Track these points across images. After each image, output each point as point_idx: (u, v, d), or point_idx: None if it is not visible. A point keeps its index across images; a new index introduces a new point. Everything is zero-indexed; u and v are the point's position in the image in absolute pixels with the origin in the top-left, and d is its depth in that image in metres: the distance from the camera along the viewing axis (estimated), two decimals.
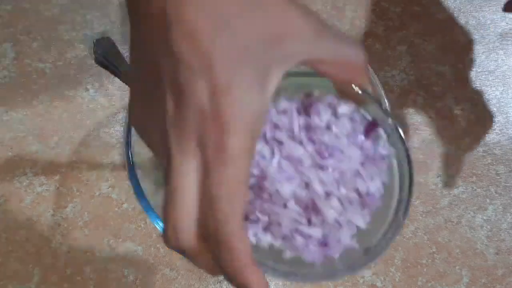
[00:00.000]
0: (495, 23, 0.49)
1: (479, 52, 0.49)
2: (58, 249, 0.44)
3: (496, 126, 0.48)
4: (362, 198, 0.28)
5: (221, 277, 0.44)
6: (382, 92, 0.43)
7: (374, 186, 0.29)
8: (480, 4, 0.49)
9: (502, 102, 0.48)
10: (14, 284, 0.44)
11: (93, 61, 0.46)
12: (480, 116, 0.48)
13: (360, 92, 0.28)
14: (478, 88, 0.48)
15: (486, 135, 0.47)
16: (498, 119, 0.48)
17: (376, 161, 0.29)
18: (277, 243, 0.28)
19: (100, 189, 0.45)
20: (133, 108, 0.25)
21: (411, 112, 0.47)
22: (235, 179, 0.22)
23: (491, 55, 0.48)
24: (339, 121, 0.28)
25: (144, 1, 0.22)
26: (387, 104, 0.45)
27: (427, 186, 0.46)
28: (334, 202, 0.27)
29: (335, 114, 0.28)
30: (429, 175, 0.46)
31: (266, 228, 0.28)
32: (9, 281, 0.44)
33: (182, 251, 0.24)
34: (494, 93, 0.48)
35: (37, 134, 0.46)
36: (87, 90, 0.47)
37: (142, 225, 0.45)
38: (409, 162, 0.29)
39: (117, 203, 0.45)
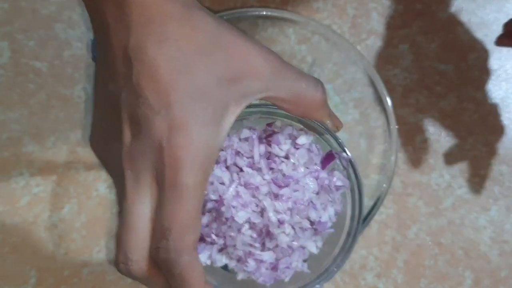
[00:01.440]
0: (498, 21, 0.48)
1: (482, 51, 0.48)
2: (55, 250, 0.44)
3: (499, 126, 0.47)
4: (314, 226, 0.30)
5: None
6: (385, 92, 0.42)
7: (326, 215, 0.30)
8: (483, 3, 0.49)
9: (506, 101, 0.47)
10: (10, 286, 0.44)
11: (91, 60, 0.46)
12: (484, 115, 0.47)
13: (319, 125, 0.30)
14: (482, 87, 0.48)
15: (490, 135, 0.47)
16: (502, 118, 0.47)
17: (330, 191, 0.31)
18: (232, 265, 0.30)
19: (98, 190, 0.45)
20: (94, 134, 0.26)
21: (413, 111, 0.47)
22: (188, 213, 0.23)
23: (494, 54, 0.48)
24: (298, 152, 0.29)
25: (109, 34, 0.23)
26: (389, 103, 0.44)
27: (430, 186, 0.46)
28: (287, 229, 0.29)
29: (294, 144, 0.30)
30: (431, 175, 0.46)
31: (222, 250, 0.30)
32: (5, 283, 0.43)
33: (133, 278, 0.24)
34: (497, 92, 0.48)
35: (33, 134, 0.46)
36: (84, 89, 0.46)
37: None
38: (360, 195, 0.32)
39: (114, 204, 0.45)
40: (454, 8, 0.49)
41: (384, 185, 0.41)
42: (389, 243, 0.45)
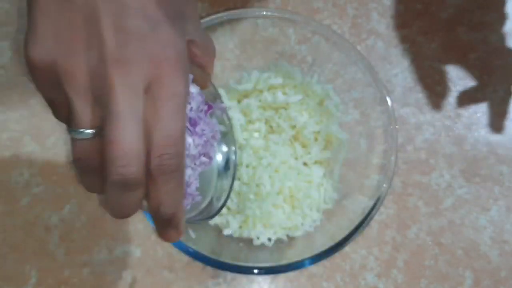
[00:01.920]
0: (498, 21, 0.49)
1: (482, 51, 0.48)
2: (55, 250, 0.44)
3: (499, 126, 0.47)
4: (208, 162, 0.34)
5: (221, 279, 0.44)
6: (385, 92, 0.42)
7: (214, 153, 0.35)
8: (484, 3, 0.49)
9: (506, 102, 0.47)
10: (11, 286, 0.44)
11: None
12: (484, 116, 0.47)
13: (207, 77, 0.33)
14: (482, 87, 0.48)
15: (490, 135, 0.47)
16: (502, 118, 0.47)
17: (214, 134, 0.34)
18: None
19: None
20: (43, 45, 0.24)
21: (413, 111, 0.47)
22: (184, 121, 0.25)
23: (494, 54, 0.48)
24: (195, 98, 0.32)
25: None
26: (389, 103, 0.44)
27: (430, 186, 0.46)
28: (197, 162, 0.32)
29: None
30: (432, 175, 0.46)
31: None
32: (5, 283, 0.43)
33: (129, 183, 0.24)
34: (497, 92, 0.48)
35: (34, 134, 0.46)
36: None
37: (140, 227, 0.44)
38: (234, 137, 0.37)
39: None
40: (454, 8, 0.49)
41: (384, 185, 0.41)
42: (389, 243, 0.45)
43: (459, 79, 0.48)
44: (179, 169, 0.25)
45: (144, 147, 0.24)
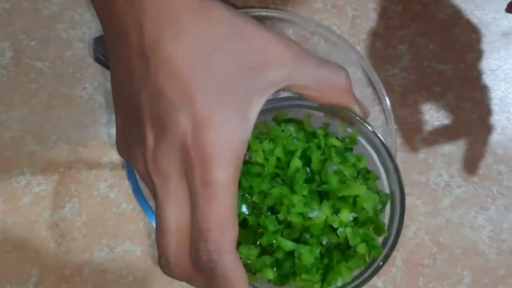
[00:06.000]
0: (497, 21, 0.49)
1: (481, 51, 0.48)
2: (56, 249, 0.44)
3: (498, 126, 0.47)
4: None
5: None
6: (384, 92, 0.43)
7: None
8: (482, 3, 0.49)
9: (504, 101, 0.48)
10: (12, 284, 0.44)
11: (92, 60, 0.46)
12: (482, 115, 0.47)
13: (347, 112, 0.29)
14: (480, 87, 0.48)
15: (488, 134, 0.47)
16: (500, 118, 0.47)
17: None
18: None
19: (99, 189, 0.45)
20: (118, 141, 0.25)
21: (412, 111, 0.47)
22: (224, 211, 0.22)
23: (493, 54, 0.48)
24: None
25: (122, 33, 0.22)
26: (388, 103, 0.45)
27: (429, 185, 0.46)
28: None
29: None
30: (430, 174, 0.46)
31: None
32: (7, 282, 0.44)
33: (176, 279, 0.24)
34: (496, 92, 0.48)
35: (35, 133, 0.46)
36: (85, 89, 0.47)
37: (141, 225, 0.45)
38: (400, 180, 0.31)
39: (115, 203, 0.45)
40: (452, 8, 0.49)
41: None
42: None
43: (455, 80, 0.48)
44: (218, 265, 0.22)
45: (182, 246, 0.23)
